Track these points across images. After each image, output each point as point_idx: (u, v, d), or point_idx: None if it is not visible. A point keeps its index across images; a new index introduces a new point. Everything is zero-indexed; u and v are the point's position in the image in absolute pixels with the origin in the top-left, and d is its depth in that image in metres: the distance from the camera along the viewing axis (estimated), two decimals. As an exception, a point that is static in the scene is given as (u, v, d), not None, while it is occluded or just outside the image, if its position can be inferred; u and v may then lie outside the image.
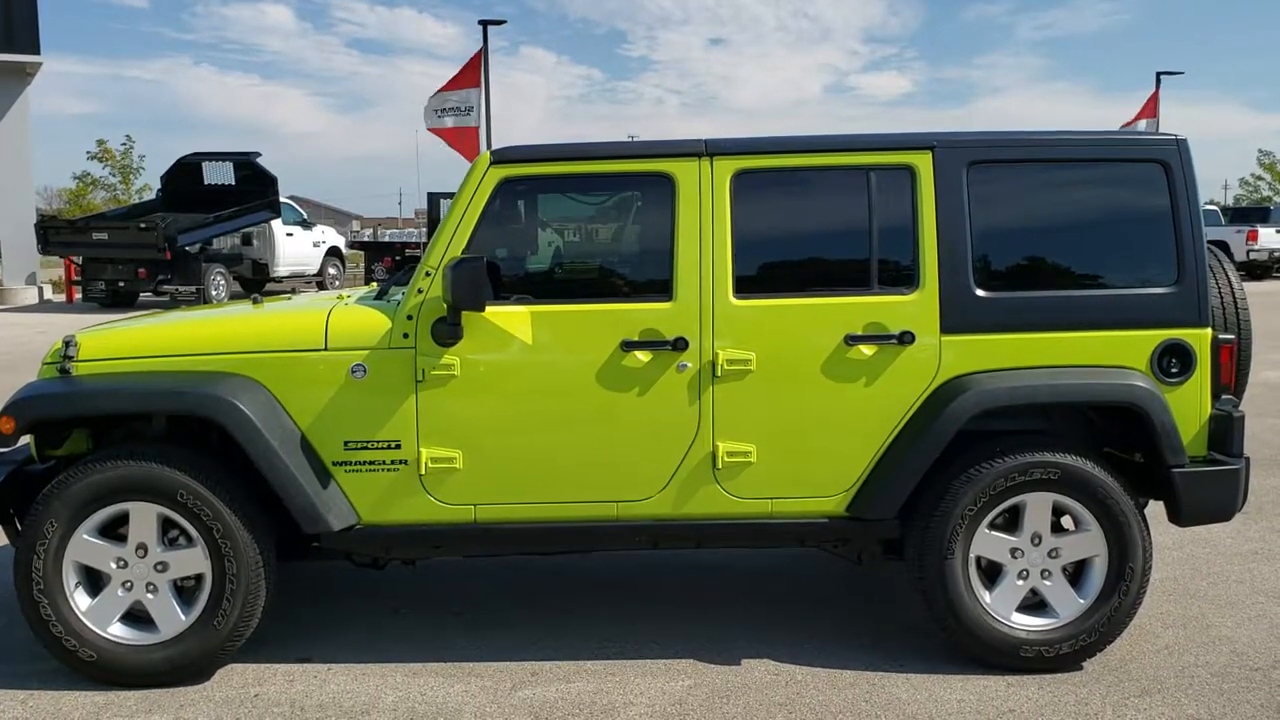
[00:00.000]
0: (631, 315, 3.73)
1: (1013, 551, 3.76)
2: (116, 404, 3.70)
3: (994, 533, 3.76)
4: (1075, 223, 3.85)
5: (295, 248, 23.06)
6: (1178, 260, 3.76)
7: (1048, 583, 3.78)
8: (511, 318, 3.72)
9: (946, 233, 3.73)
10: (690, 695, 3.63)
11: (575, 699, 3.61)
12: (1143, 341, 3.74)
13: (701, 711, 3.51)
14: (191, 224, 19.43)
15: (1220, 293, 3.92)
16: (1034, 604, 3.80)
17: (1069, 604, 3.77)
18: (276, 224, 21.98)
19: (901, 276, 3.76)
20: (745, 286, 3.74)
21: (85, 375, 3.75)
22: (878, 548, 3.94)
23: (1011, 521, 3.78)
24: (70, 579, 3.64)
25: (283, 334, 3.79)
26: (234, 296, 19.68)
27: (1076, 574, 3.80)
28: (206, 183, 20.85)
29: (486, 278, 3.55)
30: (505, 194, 3.81)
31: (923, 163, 3.76)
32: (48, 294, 22.46)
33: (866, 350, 3.72)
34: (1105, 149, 3.89)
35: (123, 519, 3.66)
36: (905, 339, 3.71)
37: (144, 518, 3.64)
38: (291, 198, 24.58)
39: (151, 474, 3.59)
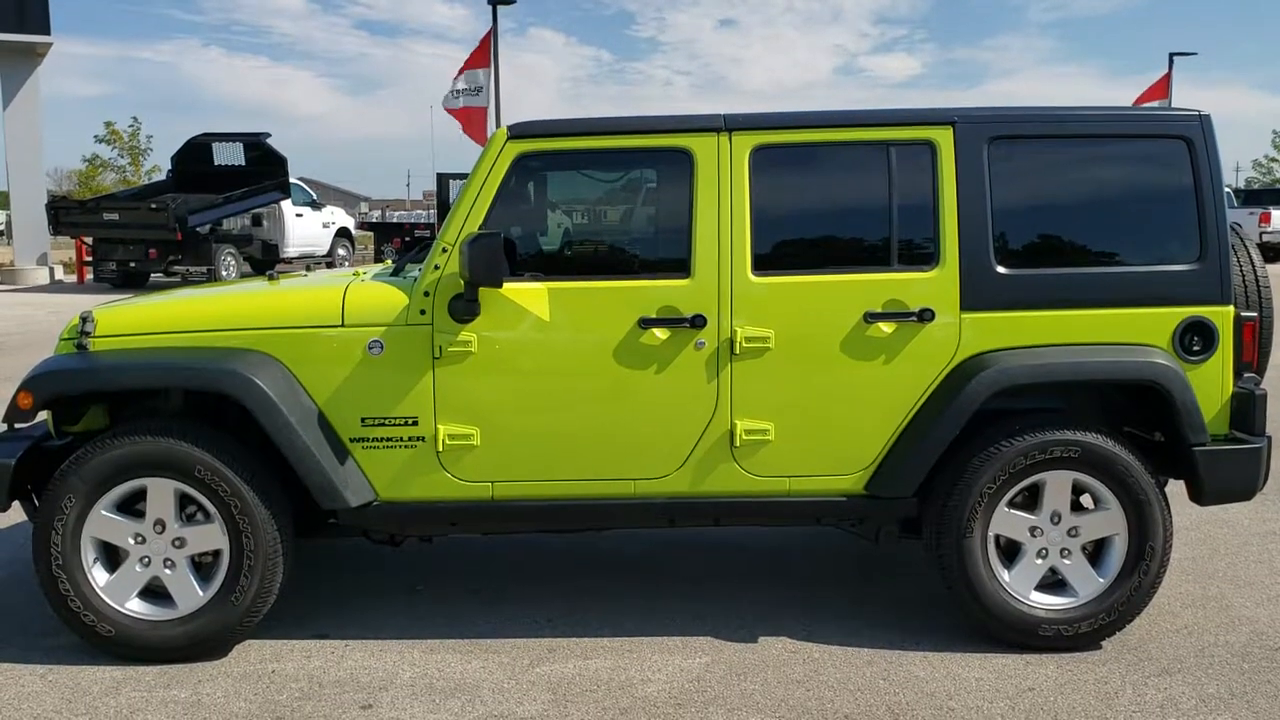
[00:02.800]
0: (649, 292, 3.70)
1: (1032, 530, 3.74)
2: (134, 379, 3.70)
3: (1013, 511, 3.74)
4: (1097, 199, 3.81)
5: (305, 229, 23.04)
6: (1200, 237, 3.72)
7: (1067, 561, 3.76)
8: (528, 294, 3.70)
9: (967, 209, 3.70)
10: (708, 672, 3.63)
11: (593, 676, 3.61)
12: (1164, 319, 3.71)
13: (719, 688, 3.51)
14: (202, 205, 19.45)
15: (1242, 270, 3.88)
16: (1053, 583, 3.79)
17: (1088, 583, 3.75)
18: (286, 205, 21.96)
19: (921, 253, 3.73)
20: (764, 263, 3.71)
21: (103, 351, 3.75)
22: (895, 526, 3.92)
23: (1031, 500, 3.76)
24: (88, 555, 3.65)
25: (300, 310, 3.78)
26: (244, 277, 19.70)
27: (1096, 553, 3.79)
28: (217, 164, 20.86)
29: (503, 254, 3.53)
30: (522, 169, 3.78)
31: (943, 138, 3.73)
32: (59, 274, 22.50)
33: (886, 328, 3.69)
34: (1128, 124, 3.85)
35: (140, 495, 3.66)
36: (925, 316, 3.68)
37: (161, 493, 3.64)
38: (301, 179, 24.55)
39: (169, 450, 3.59)
